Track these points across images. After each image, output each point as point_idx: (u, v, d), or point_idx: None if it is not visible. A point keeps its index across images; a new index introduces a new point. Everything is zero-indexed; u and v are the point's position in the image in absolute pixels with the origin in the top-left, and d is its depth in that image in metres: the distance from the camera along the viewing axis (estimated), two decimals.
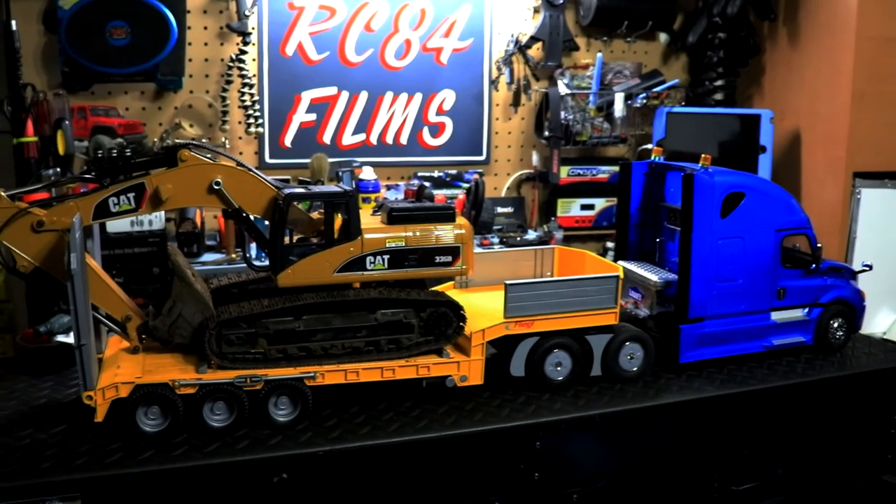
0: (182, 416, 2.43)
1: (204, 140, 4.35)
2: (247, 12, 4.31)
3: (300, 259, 2.56)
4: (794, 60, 4.93)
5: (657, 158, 3.39)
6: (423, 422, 2.58)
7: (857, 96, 4.46)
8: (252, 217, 2.61)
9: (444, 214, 2.71)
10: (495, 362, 2.82)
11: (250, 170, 2.58)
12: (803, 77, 4.85)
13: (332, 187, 2.69)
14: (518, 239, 4.69)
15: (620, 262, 3.31)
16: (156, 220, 3.60)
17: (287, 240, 2.59)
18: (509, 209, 4.99)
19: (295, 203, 2.59)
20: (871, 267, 3.39)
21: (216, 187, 2.50)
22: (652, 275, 3.19)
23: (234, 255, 4.05)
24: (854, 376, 3.12)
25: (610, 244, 4.93)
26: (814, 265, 3.19)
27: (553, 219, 5.02)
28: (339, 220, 2.60)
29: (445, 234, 2.67)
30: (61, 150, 3.68)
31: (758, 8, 5.05)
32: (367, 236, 2.60)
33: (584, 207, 5.11)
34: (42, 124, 3.75)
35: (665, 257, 3.33)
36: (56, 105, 3.82)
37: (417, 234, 2.64)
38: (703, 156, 3.07)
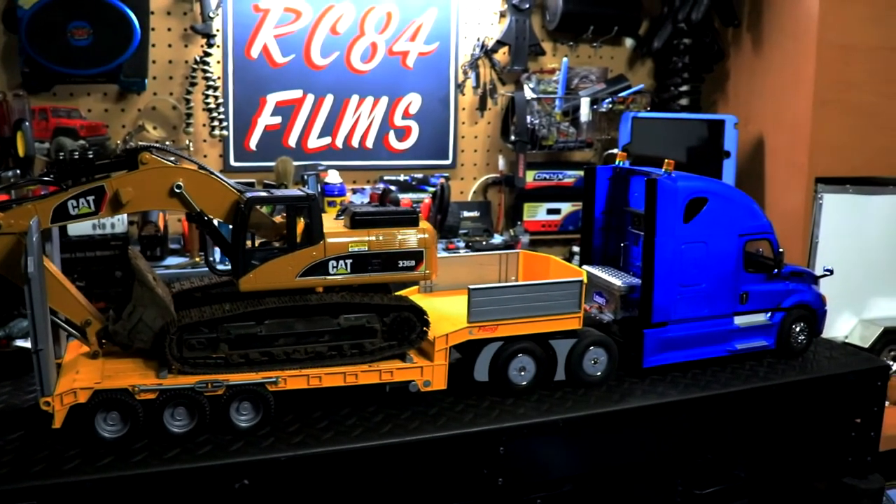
0: (142, 422, 2.39)
1: (168, 143, 4.31)
2: (211, 14, 4.27)
3: (262, 263, 2.53)
4: (757, 67, 4.98)
5: (621, 163, 3.41)
6: (386, 427, 2.56)
7: (818, 103, 4.51)
8: (215, 221, 2.58)
9: (408, 218, 2.69)
10: (459, 367, 2.82)
11: (212, 173, 2.55)
12: (767, 83, 4.90)
13: (294, 191, 2.67)
14: (484, 243, 4.69)
15: (585, 267, 3.32)
16: (118, 223, 3.56)
17: (249, 244, 2.57)
18: (475, 213, 4.99)
19: (257, 207, 2.57)
20: (832, 272, 3.42)
21: (177, 190, 2.47)
22: (616, 279, 3.20)
23: (197, 259, 4.01)
24: (815, 380, 3.15)
25: (576, 249, 4.95)
26: (776, 270, 3.22)
27: (519, 223, 5.03)
28: (301, 223, 2.58)
29: (409, 238, 2.65)
30: (21, 151, 3.61)
31: (722, 14, 5.10)
32: (329, 240, 2.58)
33: (550, 212, 5.13)
34: (1, 125, 3.69)
35: (629, 262, 3.34)
36: (16, 106, 3.75)
37: (380, 238, 2.63)
38: (665, 161, 3.09)
